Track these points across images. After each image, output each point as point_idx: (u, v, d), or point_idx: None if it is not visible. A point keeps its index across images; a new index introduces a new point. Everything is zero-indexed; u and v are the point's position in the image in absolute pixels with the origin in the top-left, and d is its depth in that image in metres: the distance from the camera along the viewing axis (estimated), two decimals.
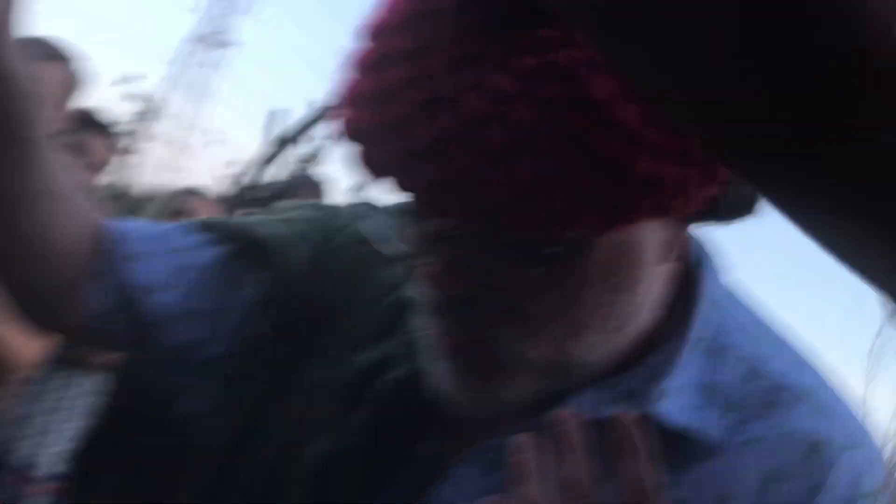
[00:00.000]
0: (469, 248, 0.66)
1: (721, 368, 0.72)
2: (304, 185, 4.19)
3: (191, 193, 3.30)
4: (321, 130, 5.12)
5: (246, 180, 5.03)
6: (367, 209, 0.92)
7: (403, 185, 0.63)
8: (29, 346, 2.26)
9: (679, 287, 0.72)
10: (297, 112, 5.05)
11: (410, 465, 0.77)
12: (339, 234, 0.89)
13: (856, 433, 0.70)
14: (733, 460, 0.69)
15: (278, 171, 5.13)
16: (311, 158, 5.06)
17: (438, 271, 0.67)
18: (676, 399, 0.70)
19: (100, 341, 0.92)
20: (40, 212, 0.80)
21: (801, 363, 0.75)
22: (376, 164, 0.63)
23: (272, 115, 5.12)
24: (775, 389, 0.71)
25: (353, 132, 0.64)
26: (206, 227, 0.89)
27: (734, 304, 0.76)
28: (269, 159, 5.06)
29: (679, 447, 0.69)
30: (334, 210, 0.94)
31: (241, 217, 0.93)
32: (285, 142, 5.03)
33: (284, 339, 0.84)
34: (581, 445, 0.61)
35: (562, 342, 0.67)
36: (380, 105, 0.62)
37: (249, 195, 4.99)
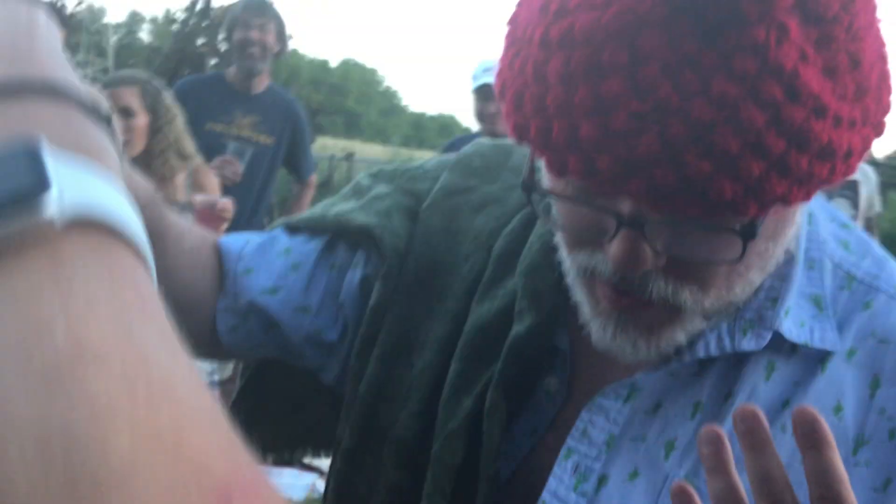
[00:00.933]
0: (665, 226, 0.69)
1: (820, 279, 0.79)
2: (253, 8, 4.13)
3: (120, 83, 3.22)
4: None
5: (198, 7, 4.90)
6: (446, 161, 1.00)
7: (624, 188, 0.64)
8: None
9: None
10: None
11: (537, 402, 0.85)
12: (428, 193, 0.96)
13: None
14: (842, 373, 0.75)
15: None
16: None
17: (631, 261, 0.70)
18: (796, 316, 0.77)
19: (240, 352, 1.01)
20: (175, 279, 0.91)
21: (884, 260, 0.81)
22: (596, 172, 0.65)
23: None
24: (870, 291, 0.78)
25: (567, 141, 0.65)
26: (303, 226, 0.99)
27: (822, 212, 0.82)
28: None
29: (800, 361, 0.76)
30: (415, 171, 1.00)
31: (328, 209, 1.00)
32: None
33: (400, 304, 0.91)
34: (770, 440, 0.61)
35: (731, 289, 0.74)
36: (599, 115, 0.63)
37: (201, 23, 4.89)
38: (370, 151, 28.66)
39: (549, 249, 0.86)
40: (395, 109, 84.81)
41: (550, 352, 0.86)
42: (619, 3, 0.62)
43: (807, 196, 0.67)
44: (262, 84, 4.19)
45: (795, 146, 0.62)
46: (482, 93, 3.77)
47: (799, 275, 0.79)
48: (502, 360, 0.84)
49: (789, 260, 0.79)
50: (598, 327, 0.78)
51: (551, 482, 0.81)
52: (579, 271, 0.77)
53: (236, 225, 4.02)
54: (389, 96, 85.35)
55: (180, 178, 3.25)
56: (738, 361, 0.78)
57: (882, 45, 0.70)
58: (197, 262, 0.96)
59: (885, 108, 0.70)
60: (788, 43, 0.61)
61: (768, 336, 0.76)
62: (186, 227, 0.96)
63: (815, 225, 0.81)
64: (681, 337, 0.76)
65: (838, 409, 0.74)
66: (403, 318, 0.91)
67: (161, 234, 0.89)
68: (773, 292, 0.78)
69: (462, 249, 0.92)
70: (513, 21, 0.72)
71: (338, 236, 0.98)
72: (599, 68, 0.62)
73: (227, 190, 3.83)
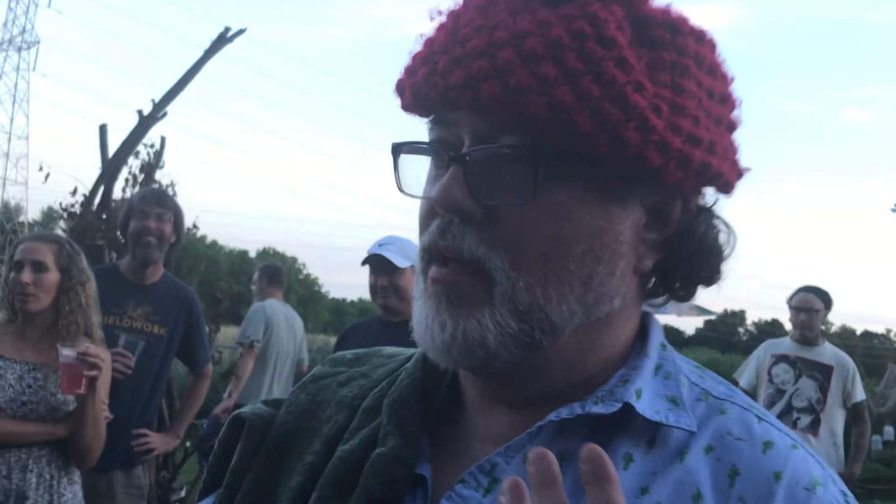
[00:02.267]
0: (480, 164, 0.81)
1: (678, 388, 0.86)
2: (151, 198, 4.18)
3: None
4: (155, 134, 5.05)
5: (94, 201, 4.93)
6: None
7: (450, 79, 0.80)
8: None
9: (638, 332, 0.90)
10: (127, 121, 4.93)
11: None
12: (302, 387, 1.01)
13: (795, 437, 0.86)
14: (700, 464, 0.81)
15: (125, 186, 5.05)
16: (154, 166, 4.99)
17: (446, 191, 0.81)
18: (650, 403, 0.83)
19: None
20: None
21: (735, 389, 0.90)
22: (435, 71, 0.82)
23: (103, 130, 4.98)
24: (725, 404, 0.86)
25: (424, 58, 0.84)
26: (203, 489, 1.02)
27: (679, 357, 0.91)
28: (111, 176, 4.94)
29: (658, 455, 0.81)
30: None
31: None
32: (124, 154, 4.92)
33: (259, 468, 0.94)
34: (557, 478, 0.65)
35: (544, 287, 0.80)
36: (453, 32, 0.83)
37: (98, 216, 4.91)
38: None
39: (418, 384, 0.91)
40: (314, 296, 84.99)
41: (414, 479, 0.85)
42: None
43: (597, 134, 0.77)
44: (156, 274, 4.17)
45: (592, 74, 0.77)
46: (373, 266, 3.79)
47: (654, 381, 0.86)
48: (363, 476, 0.85)
49: (642, 356, 0.87)
50: (419, 313, 0.84)
51: None
52: (420, 255, 0.85)
53: (130, 416, 3.92)
54: (309, 284, 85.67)
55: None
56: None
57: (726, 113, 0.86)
58: None
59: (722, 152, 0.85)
60: (608, 6, 0.80)
61: (618, 405, 0.81)
62: None
63: (670, 352, 0.89)
64: (489, 329, 0.80)
65: (697, 497, 0.78)
66: (261, 480, 0.92)
67: None
68: (625, 377, 0.84)
69: (325, 415, 0.96)
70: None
71: (232, 483, 0.96)
72: (463, 14, 0.84)
73: (120, 382, 3.76)
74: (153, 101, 4.73)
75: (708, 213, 0.88)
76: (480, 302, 0.80)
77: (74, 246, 3.42)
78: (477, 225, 0.81)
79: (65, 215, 4.94)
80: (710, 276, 0.90)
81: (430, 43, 0.84)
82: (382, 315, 3.86)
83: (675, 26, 0.83)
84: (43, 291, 3.27)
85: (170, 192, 5.24)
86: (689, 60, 0.82)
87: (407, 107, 0.86)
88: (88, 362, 3.10)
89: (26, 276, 3.25)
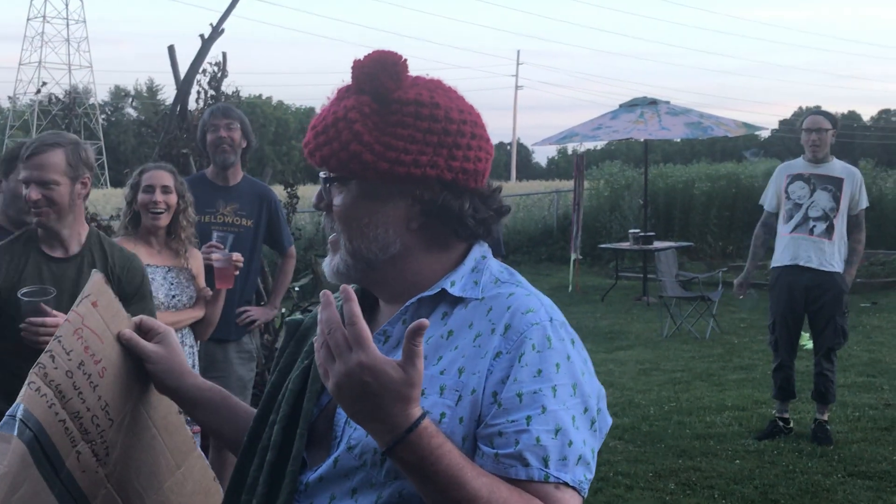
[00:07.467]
0: (323, 184, 1.51)
1: (481, 277, 1.50)
2: (219, 113, 4.89)
3: None
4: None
5: (174, 117, 5.64)
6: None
7: (305, 141, 1.52)
8: None
9: (464, 252, 1.53)
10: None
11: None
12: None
13: (533, 291, 1.50)
14: (477, 308, 1.46)
15: (197, 98, 5.74)
16: (220, 80, 5.69)
17: (317, 198, 1.52)
18: (460, 287, 1.48)
19: None
20: None
21: (515, 275, 1.54)
22: (307, 141, 1.50)
23: (171, 50, 5.62)
24: (503, 284, 1.50)
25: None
26: None
27: (492, 259, 1.55)
28: (184, 93, 5.62)
29: (457, 304, 1.47)
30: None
31: None
32: (192, 75, 5.60)
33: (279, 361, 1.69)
34: (333, 303, 1.28)
35: (355, 239, 1.48)
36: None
37: (181, 127, 5.65)
38: None
39: (357, 296, 1.47)
40: None
41: None
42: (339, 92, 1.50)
43: (330, 160, 1.46)
44: (237, 176, 4.98)
45: (336, 132, 1.45)
46: None
47: (470, 274, 1.50)
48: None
49: (459, 266, 1.51)
50: (325, 260, 1.55)
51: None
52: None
53: (231, 295, 4.76)
54: None
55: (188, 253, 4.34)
56: (427, 315, 1.48)
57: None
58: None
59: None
60: (354, 103, 1.46)
61: (438, 289, 1.47)
62: None
63: (488, 261, 1.55)
64: (340, 261, 1.49)
65: (470, 325, 1.43)
66: (292, 353, 1.67)
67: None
68: (448, 277, 1.49)
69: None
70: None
71: (279, 356, 1.73)
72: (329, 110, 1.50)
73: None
74: (211, 24, 5.39)
75: (455, 193, 1.48)
76: (336, 250, 1.51)
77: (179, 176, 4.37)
78: (329, 214, 1.51)
79: (133, 94, 5.71)
80: (470, 227, 1.50)
81: None
82: None
83: (404, 101, 1.45)
84: (169, 210, 4.19)
85: (235, 98, 6.01)
86: (407, 118, 1.44)
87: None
88: (237, 266, 4.39)
89: (158, 196, 4.15)
